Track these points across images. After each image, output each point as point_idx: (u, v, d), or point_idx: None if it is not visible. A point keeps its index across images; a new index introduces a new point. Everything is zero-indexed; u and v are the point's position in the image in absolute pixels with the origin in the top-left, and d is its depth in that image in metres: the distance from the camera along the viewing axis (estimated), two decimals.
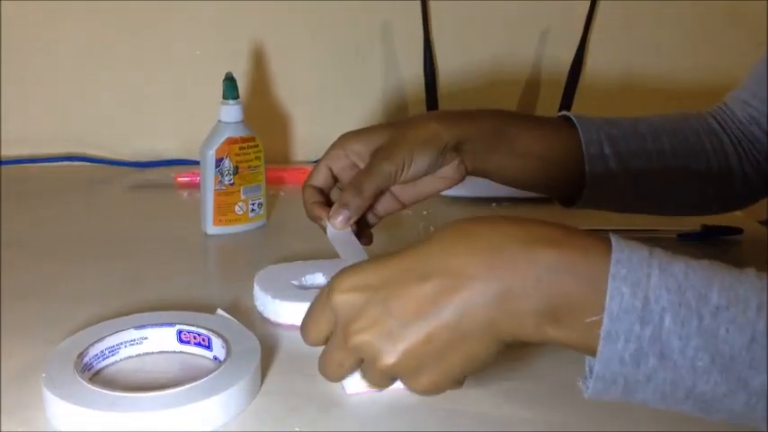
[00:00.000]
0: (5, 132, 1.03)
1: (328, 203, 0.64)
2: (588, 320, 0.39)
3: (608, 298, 0.38)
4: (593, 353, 0.39)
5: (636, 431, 0.47)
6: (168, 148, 1.05)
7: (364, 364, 0.45)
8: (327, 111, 1.07)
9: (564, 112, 0.69)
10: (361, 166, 0.63)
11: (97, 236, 0.80)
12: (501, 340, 0.42)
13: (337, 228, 0.61)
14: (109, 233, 0.81)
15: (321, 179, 0.65)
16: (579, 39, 1.05)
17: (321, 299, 0.46)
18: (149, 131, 1.05)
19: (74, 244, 0.77)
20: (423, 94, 1.05)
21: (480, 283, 0.41)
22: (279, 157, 1.06)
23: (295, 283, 0.63)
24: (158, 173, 0.98)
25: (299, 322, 0.58)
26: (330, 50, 1.05)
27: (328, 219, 0.61)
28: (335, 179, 0.65)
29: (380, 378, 0.45)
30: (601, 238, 0.41)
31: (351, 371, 0.46)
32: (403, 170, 0.61)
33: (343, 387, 0.51)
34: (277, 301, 0.60)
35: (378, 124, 0.66)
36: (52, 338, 0.55)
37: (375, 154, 0.62)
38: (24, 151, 1.03)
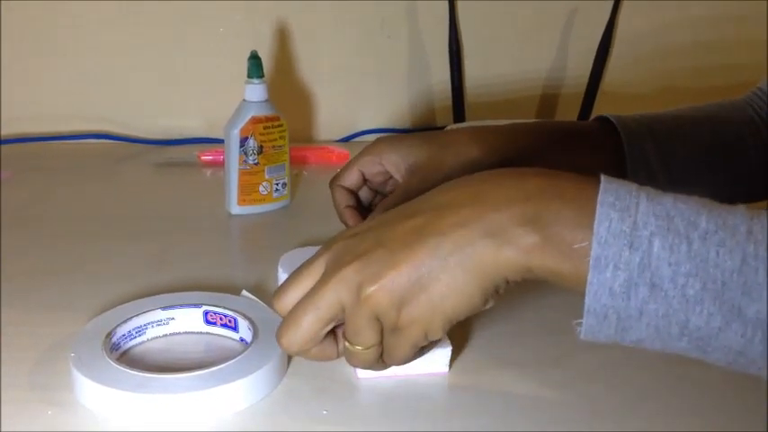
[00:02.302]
0: (31, 109, 1.03)
1: (357, 203, 0.65)
2: (577, 246, 0.38)
3: (596, 222, 0.38)
4: (583, 285, 0.38)
5: (652, 414, 0.47)
6: (192, 126, 1.05)
7: (347, 305, 0.43)
8: (352, 90, 1.06)
9: (605, 115, 0.67)
10: (396, 177, 0.63)
11: (122, 214, 0.80)
12: (486, 272, 0.41)
13: None
14: (134, 211, 0.81)
15: (352, 180, 0.65)
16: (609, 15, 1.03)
17: (315, 255, 0.45)
18: (173, 109, 1.05)
19: (98, 222, 0.77)
20: (448, 73, 1.04)
21: (466, 209, 0.41)
22: (302, 136, 1.05)
23: None
24: (182, 151, 0.98)
25: None
26: (355, 29, 1.04)
27: None
28: (365, 180, 0.65)
29: (364, 318, 0.42)
30: (589, 175, 0.41)
31: (324, 321, 0.43)
32: None
33: (354, 372, 0.50)
34: None
35: (416, 135, 0.64)
36: (79, 318, 0.55)
37: (410, 178, 0.61)
38: (49, 128, 1.03)
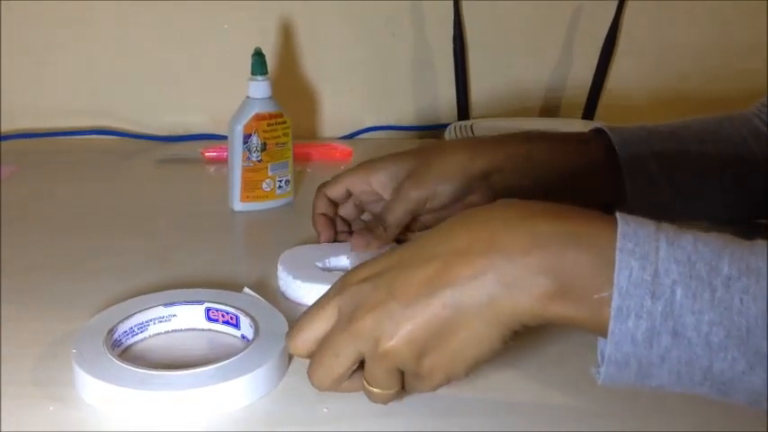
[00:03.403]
0: (35, 105, 1.03)
1: (335, 213, 0.68)
2: (597, 296, 0.38)
3: (617, 272, 0.37)
4: (602, 331, 0.38)
5: (653, 415, 0.47)
6: (196, 122, 1.05)
7: (366, 354, 0.43)
8: (355, 87, 1.06)
9: (598, 125, 0.67)
10: (385, 196, 0.64)
11: (125, 210, 0.80)
12: (504, 321, 0.40)
13: (355, 248, 0.63)
14: (137, 207, 0.81)
15: (337, 193, 0.66)
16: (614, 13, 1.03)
17: (326, 296, 0.46)
18: (177, 105, 1.05)
19: (102, 218, 0.78)
20: (452, 71, 1.04)
21: (480, 259, 0.40)
22: (306, 133, 1.05)
23: (319, 265, 0.63)
24: (186, 147, 0.98)
25: None
26: (359, 27, 1.04)
27: (352, 242, 0.63)
28: (350, 194, 0.67)
29: (383, 369, 0.43)
30: (603, 213, 0.40)
31: (346, 366, 0.44)
32: (428, 199, 0.62)
33: None
34: (299, 282, 0.60)
35: (404, 152, 0.65)
36: (81, 314, 0.55)
37: (402, 184, 0.62)
38: (53, 124, 1.04)
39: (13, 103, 1.03)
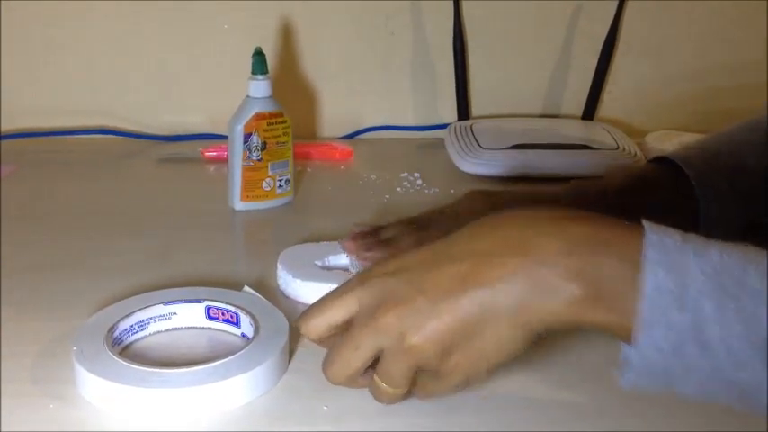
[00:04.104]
0: (35, 104, 1.03)
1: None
2: (624, 305, 0.38)
3: (644, 282, 0.37)
4: (629, 338, 0.38)
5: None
6: (196, 122, 1.05)
7: (387, 350, 0.43)
8: (355, 86, 1.06)
9: (664, 155, 0.66)
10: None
11: (125, 209, 0.80)
12: (531, 325, 0.41)
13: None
14: (137, 207, 0.81)
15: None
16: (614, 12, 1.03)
17: (347, 285, 0.45)
18: (177, 105, 1.05)
19: (102, 217, 0.78)
20: (452, 69, 1.04)
21: (511, 260, 0.40)
22: (306, 132, 1.05)
23: (318, 263, 0.63)
24: (186, 147, 0.98)
25: None
26: (358, 25, 1.04)
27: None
28: None
29: (403, 366, 0.42)
30: (630, 221, 0.40)
31: (363, 360, 0.43)
32: None
33: None
34: (298, 280, 0.60)
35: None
36: (82, 312, 0.56)
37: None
38: (53, 123, 1.03)
39: (12, 103, 1.03)
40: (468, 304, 0.41)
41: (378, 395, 0.45)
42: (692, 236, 0.39)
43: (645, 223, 0.39)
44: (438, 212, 0.65)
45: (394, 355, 0.43)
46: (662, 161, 0.67)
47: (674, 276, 0.37)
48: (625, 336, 0.38)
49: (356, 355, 0.43)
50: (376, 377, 0.44)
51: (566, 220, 0.41)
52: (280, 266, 0.62)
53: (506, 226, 0.43)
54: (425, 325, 0.41)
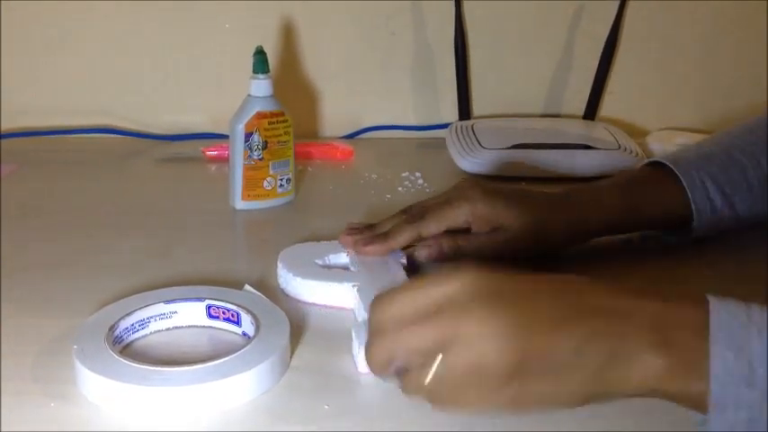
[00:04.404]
0: (36, 103, 1.03)
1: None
2: (696, 386, 0.38)
3: (712, 363, 0.38)
4: (701, 410, 0.39)
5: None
6: (197, 121, 1.05)
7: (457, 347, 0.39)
8: (357, 86, 1.06)
9: (656, 159, 0.70)
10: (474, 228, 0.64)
11: (127, 208, 0.80)
12: (594, 391, 0.40)
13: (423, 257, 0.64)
14: (138, 206, 0.81)
15: (435, 232, 0.65)
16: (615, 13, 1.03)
17: (441, 278, 0.41)
18: (178, 104, 1.05)
19: (103, 216, 0.78)
20: (453, 69, 1.04)
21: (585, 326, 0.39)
22: (307, 131, 1.05)
23: (319, 262, 0.63)
24: (187, 146, 0.98)
25: (320, 301, 0.58)
26: (360, 25, 1.04)
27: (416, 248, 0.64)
28: None
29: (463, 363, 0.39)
30: (692, 292, 0.41)
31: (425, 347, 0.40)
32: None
33: (355, 366, 0.51)
34: (299, 279, 0.60)
35: (507, 198, 0.65)
36: (82, 311, 0.55)
37: (490, 235, 0.64)
38: (54, 122, 1.03)
39: (13, 102, 1.03)
40: (558, 348, 0.39)
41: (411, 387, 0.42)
42: (756, 311, 0.39)
43: (710, 301, 0.39)
44: (431, 201, 0.66)
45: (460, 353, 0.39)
46: (652, 164, 0.70)
47: (741, 356, 0.38)
48: (695, 408, 0.39)
49: (415, 341, 0.40)
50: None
51: (638, 295, 0.41)
52: (280, 265, 0.62)
53: (586, 294, 0.41)
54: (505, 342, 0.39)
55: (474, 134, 0.95)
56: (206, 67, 1.04)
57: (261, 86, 0.77)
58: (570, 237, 0.66)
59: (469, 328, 0.39)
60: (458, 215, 0.63)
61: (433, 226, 0.63)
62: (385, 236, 0.63)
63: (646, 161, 0.72)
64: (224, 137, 0.81)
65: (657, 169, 0.69)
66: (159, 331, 0.55)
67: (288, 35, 1.02)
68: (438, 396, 0.41)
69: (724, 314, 0.39)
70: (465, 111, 1.05)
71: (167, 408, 0.46)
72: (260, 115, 0.77)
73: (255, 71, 0.77)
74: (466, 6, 1.03)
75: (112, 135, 1.04)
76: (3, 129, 1.03)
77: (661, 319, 0.40)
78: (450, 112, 1.07)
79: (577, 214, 0.65)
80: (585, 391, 0.40)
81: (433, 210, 0.64)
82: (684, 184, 0.67)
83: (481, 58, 1.06)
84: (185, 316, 0.55)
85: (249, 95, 0.78)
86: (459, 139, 0.95)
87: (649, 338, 0.39)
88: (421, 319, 0.40)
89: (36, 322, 0.56)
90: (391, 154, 1.00)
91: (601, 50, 1.04)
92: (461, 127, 0.98)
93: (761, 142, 0.69)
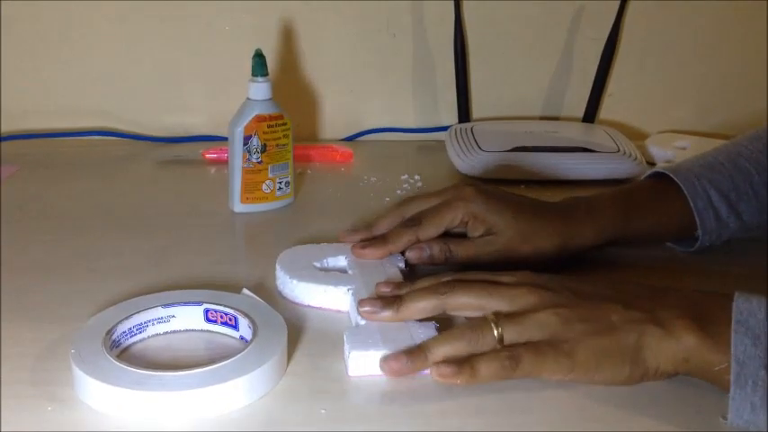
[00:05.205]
0: (36, 105, 1.03)
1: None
2: (717, 368, 0.47)
3: (733, 347, 0.45)
4: (722, 385, 0.46)
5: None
6: (197, 123, 1.05)
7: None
8: (356, 89, 1.06)
9: (658, 170, 0.70)
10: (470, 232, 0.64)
11: (125, 211, 0.80)
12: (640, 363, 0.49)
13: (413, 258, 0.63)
14: (137, 208, 0.81)
15: (433, 235, 0.65)
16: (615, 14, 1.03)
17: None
18: (178, 107, 1.05)
19: (102, 218, 0.78)
20: (453, 72, 1.04)
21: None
22: (306, 134, 1.05)
23: (317, 265, 0.63)
24: (187, 148, 0.99)
25: (316, 304, 0.58)
26: (359, 27, 1.04)
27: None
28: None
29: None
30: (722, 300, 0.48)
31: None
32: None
33: (345, 369, 0.51)
34: (296, 281, 0.60)
35: (505, 203, 0.65)
36: (80, 314, 0.56)
37: (484, 242, 0.63)
38: (54, 125, 1.04)
39: (13, 104, 1.03)
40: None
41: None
42: None
43: (735, 300, 0.47)
44: (426, 201, 0.66)
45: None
46: (653, 176, 0.70)
47: (759, 344, 0.45)
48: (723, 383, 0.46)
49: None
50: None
51: (682, 292, 0.52)
52: (278, 267, 0.62)
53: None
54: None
55: (473, 137, 0.95)
56: (206, 69, 1.04)
57: (260, 89, 0.77)
58: (565, 247, 0.64)
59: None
60: (455, 217, 0.64)
61: (431, 230, 0.64)
62: (384, 240, 0.63)
63: (648, 173, 0.72)
64: (224, 139, 0.82)
65: (659, 180, 0.69)
66: (157, 335, 0.55)
67: (287, 38, 1.03)
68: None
69: (745, 308, 0.46)
70: (464, 113, 1.05)
71: (165, 412, 0.46)
72: (259, 118, 0.77)
73: (254, 74, 0.77)
74: (466, 9, 1.03)
75: (112, 137, 1.04)
76: (3, 131, 1.03)
77: (699, 304, 0.49)
78: (449, 114, 1.07)
79: (574, 224, 0.65)
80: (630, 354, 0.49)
81: (431, 213, 0.64)
82: (686, 192, 0.66)
83: (481, 60, 1.06)
84: (183, 320, 0.55)
85: (248, 98, 0.78)
86: (458, 141, 0.95)
87: (688, 318, 0.48)
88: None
89: (34, 325, 0.56)
90: (390, 157, 1.00)
91: (600, 53, 1.04)
92: (461, 129, 0.98)
93: (766, 150, 0.69)
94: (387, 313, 0.54)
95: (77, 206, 0.81)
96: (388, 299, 0.54)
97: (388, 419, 0.47)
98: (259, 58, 0.78)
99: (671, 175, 0.67)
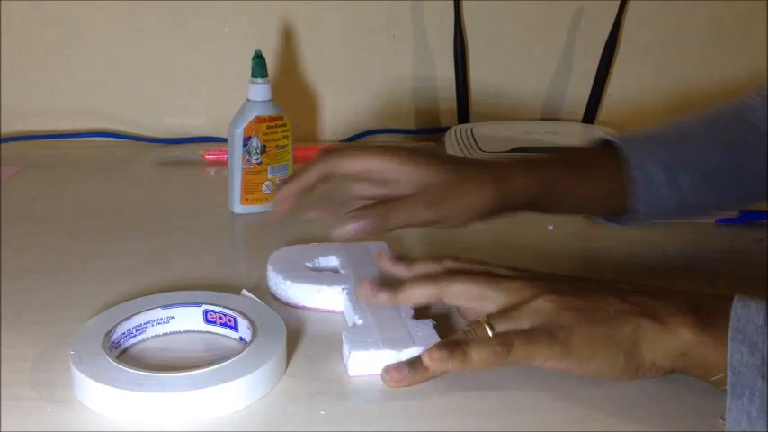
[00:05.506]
0: (36, 107, 1.04)
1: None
2: (714, 378, 0.46)
3: (729, 355, 0.44)
4: (718, 384, 0.46)
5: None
6: (197, 124, 1.05)
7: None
8: (356, 90, 1.06)
9: (607, 137, 0.66)
10: (405, 189, 0.59)
11: (125, 212, 0.80)
12: (634, 359, 0.49)
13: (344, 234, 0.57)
14: (136, 209, 0.81)
15: (356, 169, 0.60)
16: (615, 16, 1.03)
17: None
18: (178, 108, 1.05)
19: (102, 220, 0.78)
20: (453, 73, 1.04)
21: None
22: (306, 135, 1.05)
23: (309, 264, 0.63)
24: (186, 149, 0.99)
25: (309, 304, 0.58)
26: (359, 28, 1.04)
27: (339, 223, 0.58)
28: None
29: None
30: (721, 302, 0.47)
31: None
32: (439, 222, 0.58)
33: (345, 369, 0.51)
34: (288, 282, 0.59)
35: (432, 159, 0.59)
36: (80, 315, 0.56)
37: (424, 193, 0.58)
38: (54, 126, 1.04)
39: (13, 105, 1.03)
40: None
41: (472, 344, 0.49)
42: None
43: (733, 305, 0.46)
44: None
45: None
46: (601, 143, 0.66)
47: (755, 352, 0.44)
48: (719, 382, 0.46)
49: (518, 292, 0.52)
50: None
51: (686, 294, 0.51)
52: (269, 268, 0.62)
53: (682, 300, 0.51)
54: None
55: (473, 138, 0.95)
56: (206, 70, 1.04)
57: (259, 91, 0.78)
58: (499, 197, 0.59)
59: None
60: (378, 161, 0.59)
61: (358, 162, 0.59)
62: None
63: (596, 138, 0.67)
64: (223, 140, 0.82)
65: (604, 147, 0.65)
66: (156, 336, 0.55)
67: (287, 39, 1.03)
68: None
69: (743, 314, 0.45)
70: (464, 114, 1.05)
71: (164, 413, 0.46)
72: (258, 119, 0.77)
73: (254, 75, 0.78)
74: (465, 10, 1.03)
75: (112, 138, 1.04)
76: (3, 132, 1.03)
77: (698, 302, 0.49)
78: (449, 115, 1.07)
79: (506, 174, 0.60)
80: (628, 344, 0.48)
81: (351, 149, 0.60)
82: (626, 161, 0.62)
83: (480, 61, 1.06)
84: (182, 321, 0.55)
85: (248, 100, 0.78)
86: (458, 142, 0.95)
87: (687, 314, 0.48)
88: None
89: (34, 327, 0.56)
90: None
91: (600, 53, 1.04)
92: (461, 131, 0.98)
93: (711, 128, 0.66)
94: (384, 296, 0.54)
95: (77, 207, 0.81)
96: (388, 282, 0.54)
97: (388, 419, 0.47)
98: (259, 59, 0.78)
99: (614, 142, 0.64)
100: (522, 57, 1.07)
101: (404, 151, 0.59)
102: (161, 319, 0.55)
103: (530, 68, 1.07)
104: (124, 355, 0.53)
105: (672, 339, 0.48)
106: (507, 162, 0.62)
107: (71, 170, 0.93)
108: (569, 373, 0.49)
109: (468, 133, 0.97)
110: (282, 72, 1.03)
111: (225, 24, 1.02)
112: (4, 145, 0.99)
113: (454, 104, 1.05)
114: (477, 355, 0.48)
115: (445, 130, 1.02)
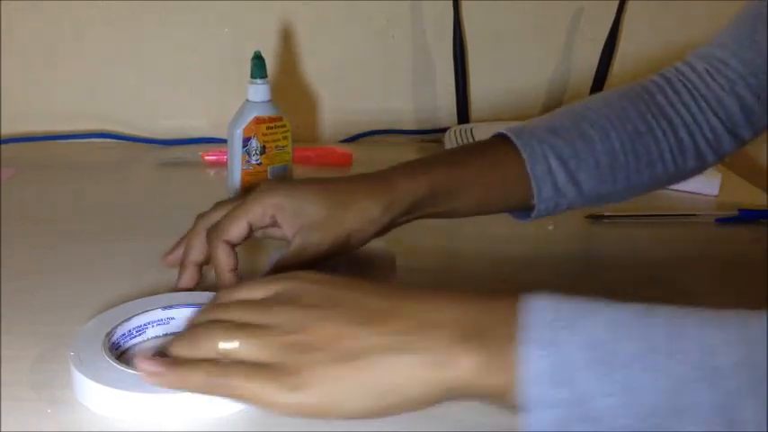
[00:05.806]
0: (35, 108, 1.04)
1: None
2: (507, 385, 0.38)
3: (522, 364, 0.37)
4: (511, 408, 0.38)
5: None
6: (196, 125, 1.05)
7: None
8: (355, 90, 1.06)
9: (504, 132, 0.64)
10: (288, 234, 0.56)
11: (125, 213, 0.80)
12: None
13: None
14: (136, 211, 0.81)
15: (240, 235, 0.57)
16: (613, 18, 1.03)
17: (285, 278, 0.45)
18: (178, 109, 1.05)
19: (102, 221, 0.78)
20: (452, 73, 1.04)
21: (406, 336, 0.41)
22: (306, 136, 1.05)
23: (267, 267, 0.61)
24: (186, 150, 0.99)
25: None
26: (359, 29, 1.04)
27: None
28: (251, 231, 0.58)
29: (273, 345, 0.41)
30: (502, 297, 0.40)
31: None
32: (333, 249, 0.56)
33: None
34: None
35: (309, 186, 0.57)
36: (80, 317, 0.56)
37: (308, 233, 0.55)
38: (53, 127, 1.04)
39: (12, 107, 1.03)
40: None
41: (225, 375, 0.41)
42: (564, 307, 0.38)
43: (521, 303, 0.39)
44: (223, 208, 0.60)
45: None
46: (499, 136, 0.65)
47: (551, 353, 0.37)
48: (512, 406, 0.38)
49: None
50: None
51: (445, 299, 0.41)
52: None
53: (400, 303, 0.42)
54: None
55: (473, 138, 0.95)
56: (205, 71, 1.04)
57: (259, 91, 0.77)
58: (390, 205, 0.57)
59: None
60: (256, 210, 0.56)
61: (234, 229, 0.57)
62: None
63: (495, 133, 0.65)
64: (223, 141, 0.82)
65: (502, 142, 0.63)
66: (156, 337, 0.55)
67: (287, 39, 1.03)
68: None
69: (533, 314, 0.38)
70: (464, 114, 1.05)
71: (164, 414, 0.46)
72: (258, 120, 0.77)
73: (253, 76, 0.77)
74: (465, 9, 1.03)
75: (111, 140, 1.04)
76: (2, 134, 1.03)
77: (473, 318, 0.40)
78: (449, 115, 1.07)
79: (395, 181, 0.59)
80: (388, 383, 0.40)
81: (228, 214, 0.58)
82: (525, 157, 0.60)
83: (480, 61, 1.06)
84: (182, 322, 0.54)
85: (247, 100, 0.78)
86: (458, 142, 0.95)
87: (462, 336, 0.39)
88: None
89: (34, 328, 0.56)
90: (390, 158, 0.99)
91: (600, 53, 1.04)
92: (460, 131, 0.98)
93: (613, 115, 0.64)
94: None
95: (77, 208, 0.81)
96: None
97: (388, 419, 0.46)
98: (258, 60, 0.78)
99: (511, 138, 0.62)
100: (521, 57, 1.07)
101: (279, 191, 0.57)
102: (161, 319, 0.55)
103: (529, 68, 1.07)
104: (124, 356, 0.53)
105: (441, 372, 0.40)
106: (391, 169, 0.60)
107: (71, 171, 0.93)
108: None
109: (468, 133, 0.97)
110: (282, 72, 1.03)
111: (224, 25, 1.02)
112: (3, 146, 0.99)
113: (454, 104, 1.05)
114: (192, 379, 0.42)
115: (445, 130, 1.02)
